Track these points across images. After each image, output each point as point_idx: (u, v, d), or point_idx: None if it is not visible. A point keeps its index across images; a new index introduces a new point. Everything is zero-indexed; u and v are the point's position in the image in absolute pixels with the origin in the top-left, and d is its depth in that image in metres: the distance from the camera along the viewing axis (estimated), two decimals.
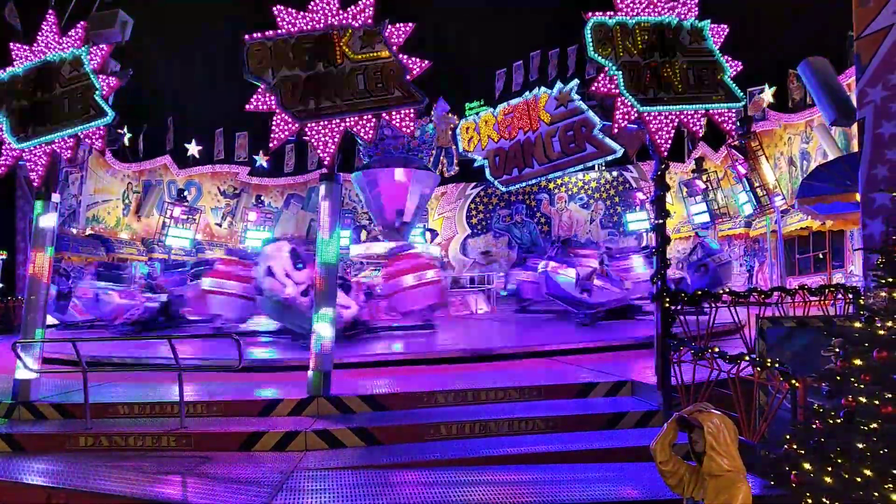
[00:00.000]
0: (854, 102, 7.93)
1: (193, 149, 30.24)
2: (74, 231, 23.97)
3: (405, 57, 8.20)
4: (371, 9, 8.31)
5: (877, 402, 3.97)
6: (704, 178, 25.54)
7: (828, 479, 3.96)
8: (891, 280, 4.39)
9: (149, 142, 28.81)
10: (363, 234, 24.74)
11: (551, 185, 31.08)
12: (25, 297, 8.72)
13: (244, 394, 8.42)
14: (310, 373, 7.97)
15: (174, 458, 6.83)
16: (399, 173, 20.40)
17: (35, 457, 7.01)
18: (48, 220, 8.70)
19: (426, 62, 8.20)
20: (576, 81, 13.72)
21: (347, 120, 8.15)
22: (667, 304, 7.49)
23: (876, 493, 3.73)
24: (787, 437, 4.46)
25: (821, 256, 20.62)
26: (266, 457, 6.75)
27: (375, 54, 8.23)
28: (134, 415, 8.00)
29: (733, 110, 8.37)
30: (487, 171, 14.23)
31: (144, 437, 7.21)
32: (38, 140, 8.68)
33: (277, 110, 8.22)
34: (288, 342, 12.51)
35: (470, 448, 6.74)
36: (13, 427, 7.74)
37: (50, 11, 9.02)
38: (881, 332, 4.16)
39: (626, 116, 8.01)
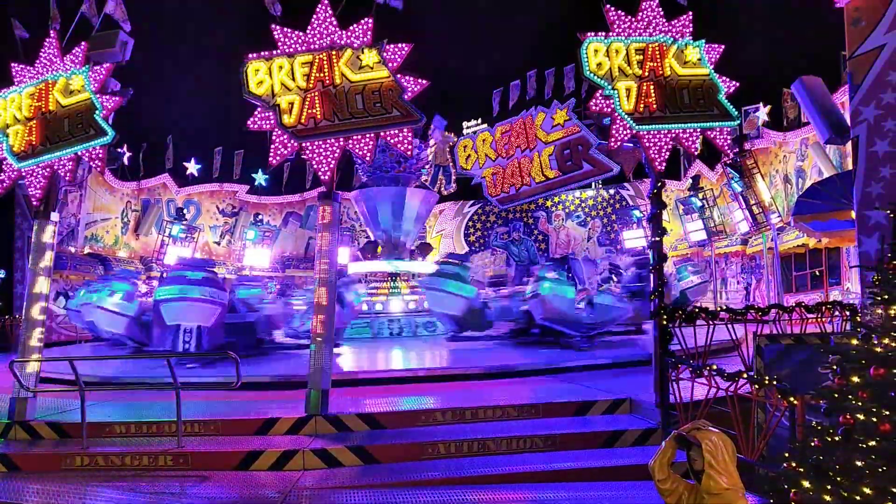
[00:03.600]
0: (848, 121, 8.00)
1: (192, 167, 30.34)
2: (73, 250, 23.95)
3: (403, 76, 8.28)
4: (369, 29, 8.40)
5: (875, 420, 3.96)
6: (701, 195, 25.65)
7: (827, 497, 3.94)
8: (887, 297, 4.41)
9: (148, 160, 28.93)
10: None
11: (549, 203, 31.19)
12: (23, 315, 8.70)
13: (242, 412, 8.38)
14: (308, 391, 7.94)
15: (171, 477, 6.79)
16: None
17: (31, 477, 6.96)
18: (46, 239, 8.70)
19: (424, 82, 8.28)
20: (572, 100, 13.84)
21: (346, 139, 8.20)
22: (664, 322, 7.49)
23: None
24: (786, 454, 4.44)
25: (817, 273, 20.66)
26: (264, 476, 6.71)
27: (374, 74, 8.30)
28: (131, 434, 7.96)
29: (728, 129, 8.45)
30: (485, 189, 14.29)
31: (141, 456, 7.17)
32: (38, 159, 8.71)
33: (276, 129, 8.28)
34: None
35: (468, 467, 6.72)
36: (9, 447, 7.70)
37: (51, 32, 9.11)
38: (878, 350, 4.17)
39: (622, 135, 8.07)
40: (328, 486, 6.33)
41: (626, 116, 8.04)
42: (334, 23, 8.47)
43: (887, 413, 3.93)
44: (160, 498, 6.19)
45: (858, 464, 3.90)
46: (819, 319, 8.19)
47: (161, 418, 8.09)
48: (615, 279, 16.84)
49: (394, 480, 6.42)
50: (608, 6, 8.42)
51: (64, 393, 9.64)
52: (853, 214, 7.36)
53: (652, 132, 8.10)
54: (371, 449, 7.09)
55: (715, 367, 6.22)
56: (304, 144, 8.23)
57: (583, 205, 31.15)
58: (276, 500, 5.90)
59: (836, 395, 4.23)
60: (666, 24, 8.48)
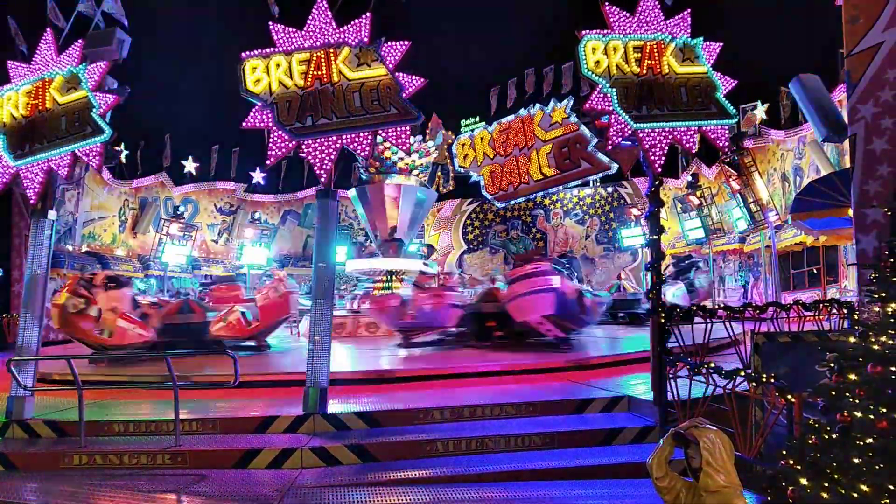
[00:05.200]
0: (845, 119, 8.01)
1: (190, 165, 30.31)
2: (70, 248, 23.92)
3: (401, 74, 8.27)
4: (367, 27, 8.38)
5: (872, 418, 3.97)
6: (699, 193, 25.65)
7: (824, 495, 3.95)
8: (884, 295, 4.42)
9: (146, 159, 28.90)
10: None
11: (547, 201, 31.21)
12: (21, 314, 8.68)
13: (240, 411, 8.38)
14: (306, 389, 7.94)
15: (169, 476, 6.78)
16: None
17: (29, 476, 6.95)
18: (44, 237, 8.68)
19: (422, 79, 8.27)
20: (570, 98, 13.83)
21: (344, 137, 8.18)
22: (662, 320, 7.50)
23: None
24: (783, 452, 4.45)
25: (815, 271, 20.70)
26: (262, 474, 6.71)
27: (371, 72, 8.29)
28: (129, 432, 7.95)
29: (726, 127, 8.45)
30: (483, 188, 14.27)
31: (139, 454, 7.16)
32: (34, 157, 8.69)
33: (274, 127, 8.26)
34: None
35: (467, 465, 6.72)
36: (6, 445, 7.68)
37: (48, 30, 9.08)
38: (875, 347, 4.18)
39: (620, 133, 8.07)
40: (326, 484, 6.33)
41: (623, 114, 8.04)
42: (332, 20, 8.45)
43: (884, 411, 3.94)
44: (158, 496, 6.19)
45: (856, 461, 3.91)
46: (816, 317, 8.20)
47: (159, 417, 8.08)
48: None
49: (392, 478, 6.43)
50: (606, 4, 8.40)
51: (62, 392, 9.65)
52: (851, 212, 7.36)
53: (650, 130, 8.09)
54: (369, 447, 7.10)
55: (713, 364, 6.23)
56: (301, 142, 8.22)
57: (581, 203, 31.18)
58: (274, 498, 5.89)
59: (834, 393, 4.24)
60: (664, 21, 8.47)
